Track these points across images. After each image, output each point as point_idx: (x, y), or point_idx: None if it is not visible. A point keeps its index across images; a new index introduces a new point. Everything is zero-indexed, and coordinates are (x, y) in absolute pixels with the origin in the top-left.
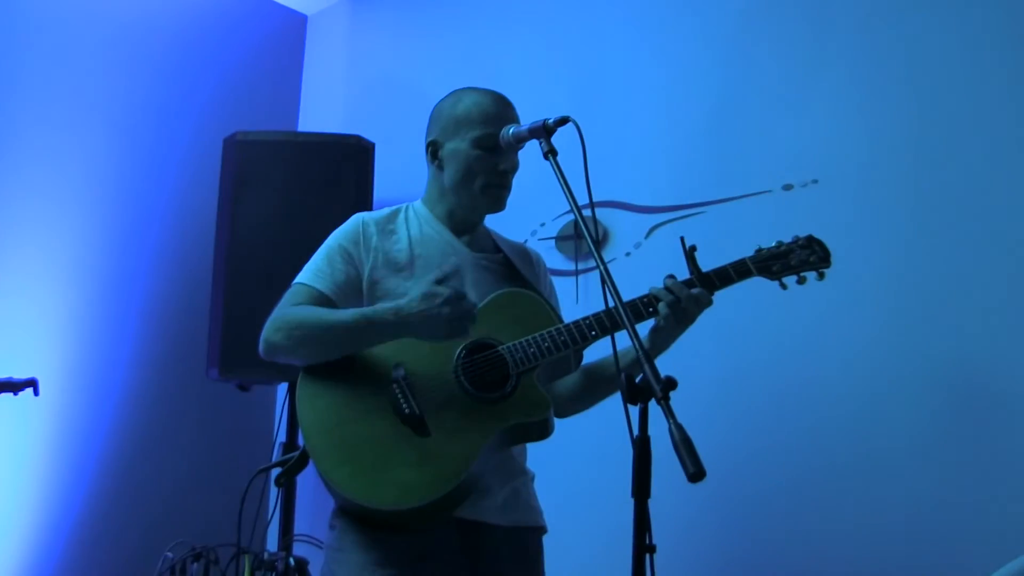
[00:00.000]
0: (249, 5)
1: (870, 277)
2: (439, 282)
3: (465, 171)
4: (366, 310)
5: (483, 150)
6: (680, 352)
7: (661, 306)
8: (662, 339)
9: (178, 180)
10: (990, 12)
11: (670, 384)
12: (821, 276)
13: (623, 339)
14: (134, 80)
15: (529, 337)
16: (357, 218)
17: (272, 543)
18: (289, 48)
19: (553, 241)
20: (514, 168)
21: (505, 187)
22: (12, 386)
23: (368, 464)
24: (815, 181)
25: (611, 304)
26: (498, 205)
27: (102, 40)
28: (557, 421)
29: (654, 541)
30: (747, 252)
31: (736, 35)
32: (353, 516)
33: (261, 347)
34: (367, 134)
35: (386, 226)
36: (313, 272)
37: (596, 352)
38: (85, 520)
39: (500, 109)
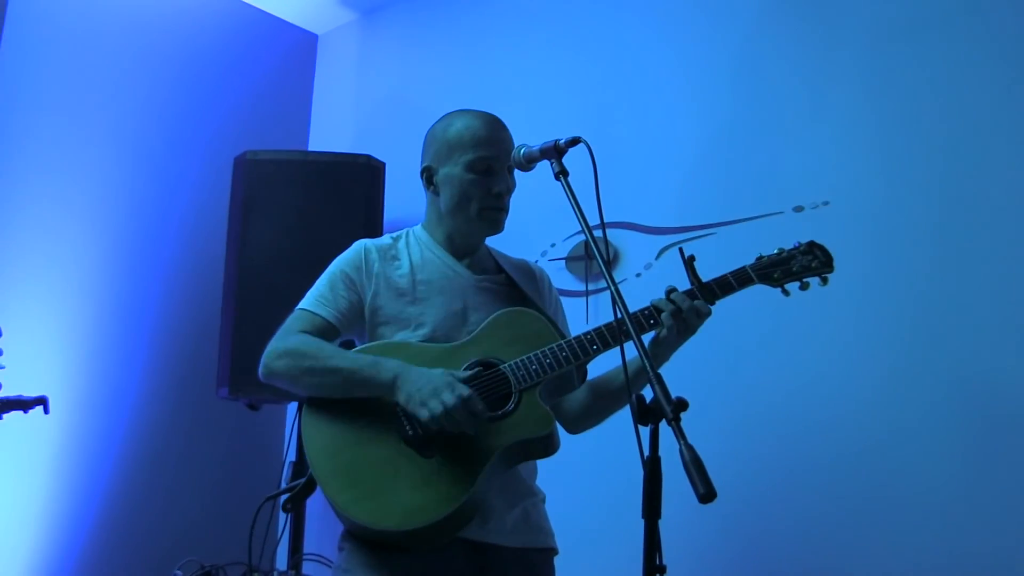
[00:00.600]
0: (260, 25)
1: (883, 299)
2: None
3: (460, 196)
4: (371, 363)
5: (476, 174)
6: (694, 373)
7: (664, 316)
8: (662, 350)
9: (189, 199)
10: (1002, 31)
11: (681, 405)
12: (824, 281)
13: (629, 351)
14: (145, 99)
15: (531, 354)
16: (359, 244)
17: (281, 562)
18: (299, 67)
19: (564, 261)
20: (509, 189)
21: (502, 209)
22: (22, 404)
23: (372, 487)
24: (826, 203)
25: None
26: (495, 227)
27: (113, 60)
28: (567, 441)
29: (664, 562)
30: None
31: (747, 57)
32: (361, 538)
33: (261, 371)
34: (377, 153)
35: (388, 252)
36: (316, 298)
37: (600, 365)
38: (95, 538)
39: (491, 132)
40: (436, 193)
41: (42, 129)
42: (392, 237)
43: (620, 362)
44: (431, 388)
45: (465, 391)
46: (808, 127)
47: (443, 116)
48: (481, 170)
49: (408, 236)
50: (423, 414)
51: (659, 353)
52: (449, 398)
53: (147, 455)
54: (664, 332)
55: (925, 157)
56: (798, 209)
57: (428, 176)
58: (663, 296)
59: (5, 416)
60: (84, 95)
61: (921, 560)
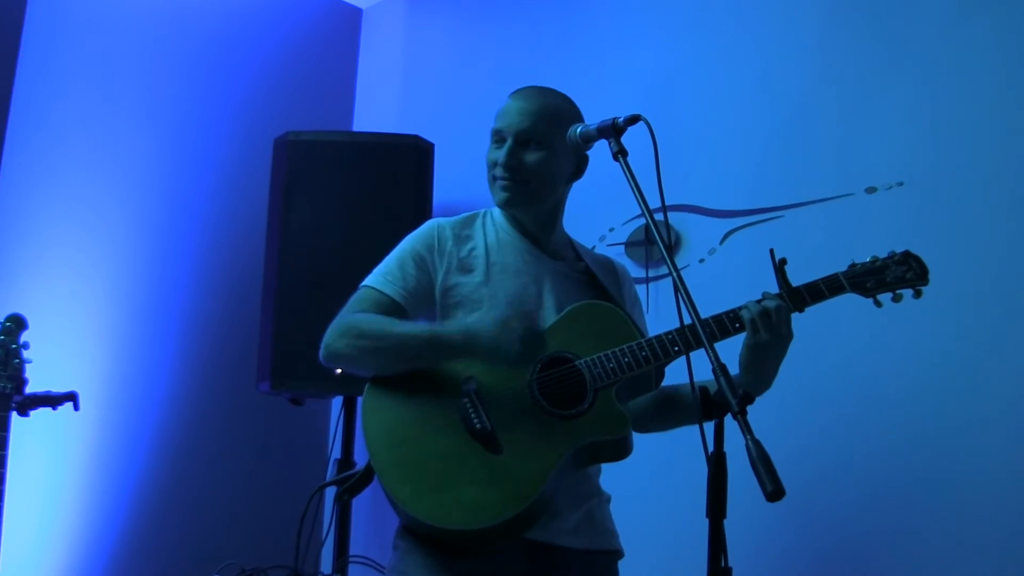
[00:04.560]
0: None
1: (960, 285)
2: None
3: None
4: (434, 327)
5: (491, 143)
6: None
7: (743, 313)
8: (755, 357)
9: (226, 183)
10: None
11: (747, 399)
12: (918, 294)
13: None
14: (179, 77)
15: (608, 352)
16: (432, 223)
17: (326, 564)
18: (343, 43)
19: (623, 247)
20: (508, 162)
21: (501, 177)
22: (51, 400)
23: (435, 482)
24: (900, 183)
25: (684, 312)
26: (504, 200)
27: (146, 36)
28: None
29: (730, 564)
30: (828, 259)
31: (817, 30)
32: (418, 536)
33: (322, 352)
34: (426, 134)
35: (462, 232)
36: (383, 276)
37: (680, 370)
38: (127, 541)
39: (508, 103)
40: None
41: (71, 111)
42: (468, 215)
43: (708, 367)
44: (502, 339)
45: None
46: (881, 103)
47: None
48: (493, 140)
49: (484, 217)
50: (506, 360)
51: (752, 360)
52: (516, 327)
53: (183, 453)
54: (752, 339)
55: (1004, 135)
56: (871, 190)
57: None
58: (737, 289)
59: (33, 413)
60: (115, 74)
61: (993, 548)
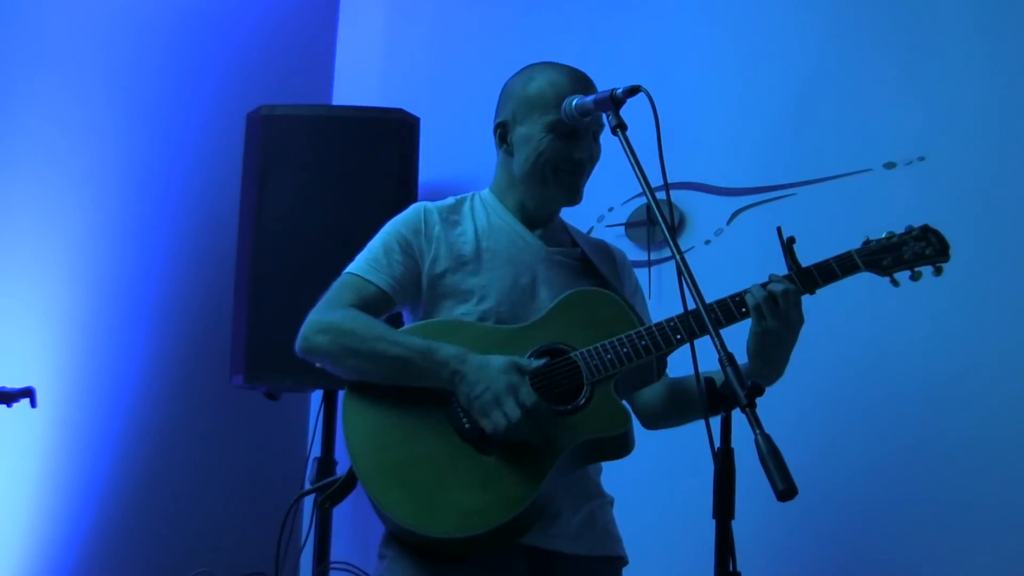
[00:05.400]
0: None
1: (985, 267)
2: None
3: (535, 159)
4: (423, 350)
5: (557, 136)
6: None
7: (748, 298)
8: (764, 346)
9: (194, 162)
10: None
11: (756, 390)
12: (938, 271)
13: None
14: (145, 48)
15: (606, 342)
16: (419, 206)
17: (305, 571)
18: (321, 9)
19: (623, 228)
20: (592, 158)
21: (581, 175)
22: (5, 397)
23: (423, 486)
24: (921, 159)
25: (688, 297)
26: (572, 196)
27: (107, 2)
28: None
29: (738, 568)
30: (844, 240)
31: None
32: (406, 545)
33: (299, 344)
34: (411, 107)
35: (449, 216)
36: (368, 262)
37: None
38: (92, 549)
39: (578, 90)
40: (509, 154)
41: (33, 85)
42: (455, 199)
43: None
44: (492, 395)
45: (530, 399)
46: (901, 72)
47: (525, 67)
48: (563, 133)
49: (473, 200)
50: (485, 425)
51: (760, 348)
52: (513, 409)
53: (150, 453)
54: (757, 326)
55: None
56: (889, 166)
57: (502, 133)
58: (745, 273)
59: None
60: (72, 46)
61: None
